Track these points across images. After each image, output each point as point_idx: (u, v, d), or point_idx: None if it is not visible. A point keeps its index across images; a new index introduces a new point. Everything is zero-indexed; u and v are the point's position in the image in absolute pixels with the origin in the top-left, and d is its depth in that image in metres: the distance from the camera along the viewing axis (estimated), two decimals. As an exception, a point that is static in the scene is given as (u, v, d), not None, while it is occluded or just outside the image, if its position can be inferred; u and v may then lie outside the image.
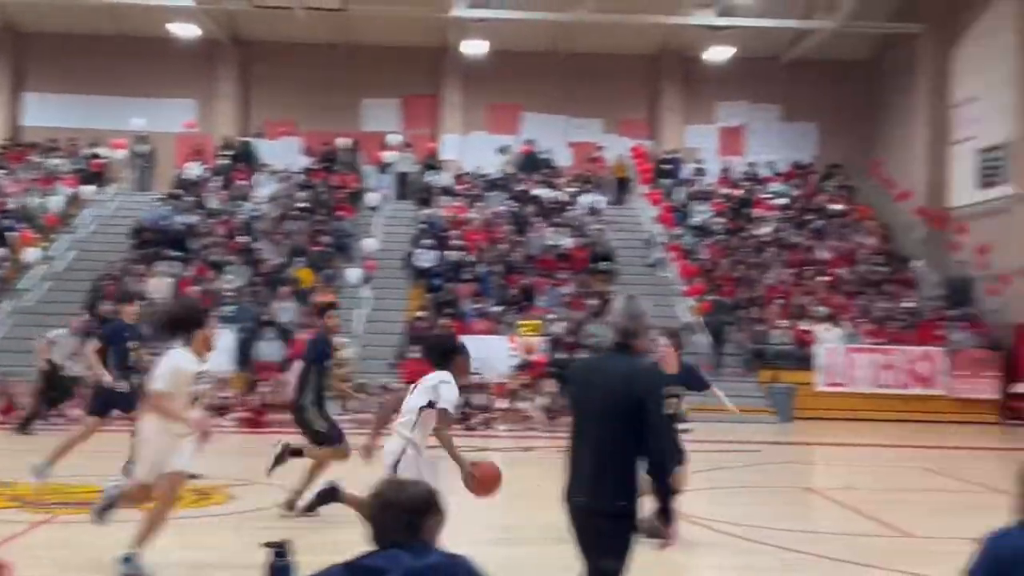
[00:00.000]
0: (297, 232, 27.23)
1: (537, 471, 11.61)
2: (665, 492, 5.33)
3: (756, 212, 30.03)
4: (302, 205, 28.51)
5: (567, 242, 27.89)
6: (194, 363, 7.85)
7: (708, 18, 29.53)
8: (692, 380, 10.22)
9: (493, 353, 22.09)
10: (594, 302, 25.29)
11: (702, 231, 29.01)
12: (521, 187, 30.41)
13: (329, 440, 10.74)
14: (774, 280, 26.67)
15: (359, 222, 28.57)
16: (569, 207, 29.64)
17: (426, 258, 26.61)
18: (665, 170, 31.59)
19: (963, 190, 27.99)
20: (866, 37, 31.30)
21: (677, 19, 29.99)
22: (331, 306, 11.45)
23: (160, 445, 7.71)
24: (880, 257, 28.36)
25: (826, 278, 26.92)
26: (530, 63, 32.14)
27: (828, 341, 24.18)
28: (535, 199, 29.78)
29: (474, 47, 31.17)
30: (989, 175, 26.85)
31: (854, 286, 26.91)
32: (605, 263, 27.31)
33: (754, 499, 13.00)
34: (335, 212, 28.55)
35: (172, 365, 7.74)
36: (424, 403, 7.54)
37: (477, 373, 21.63)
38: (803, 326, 24.75)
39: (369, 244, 27.27)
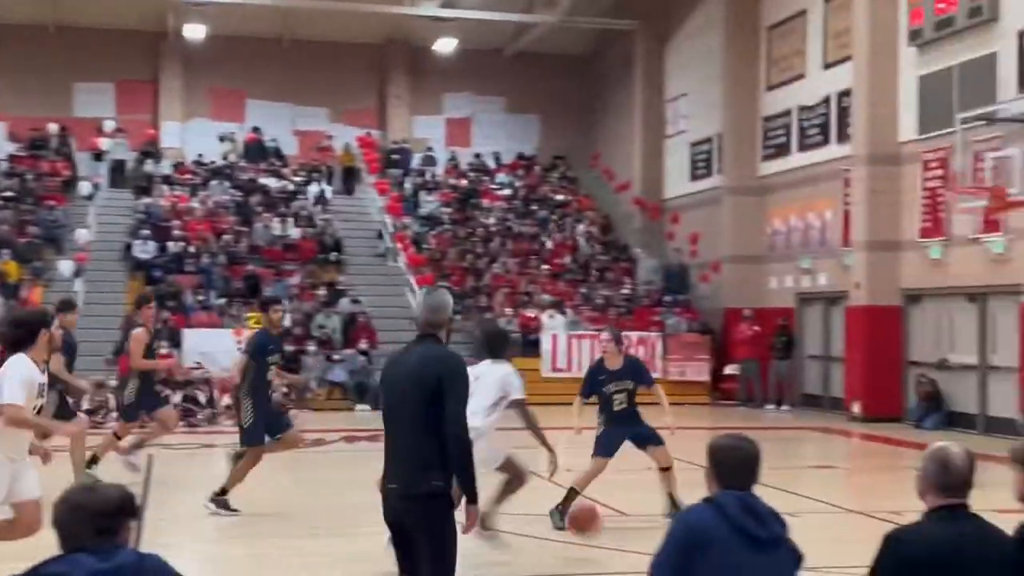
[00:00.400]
0: (2, 222, 25.63)
1: (274, 466, 11.35)
2: (462, 477, 5.34)
3: (483, 202, 30.49)
4: (7, 194, 26.85)
5: (294, 232, 27.48)
6: (38, 372, 7.16)
7: (433, 9, 29.71)
8: (640, 375, 10.56)
9: (218, 347, 21.48)
10: (322, 293, 25.03)
11: (430, 221, 29.20)
12: (246, 176, 29.71)
13: (248, 438, 10.60)
14: (500, 269, 27.15)
15: (71, 212, 27.17)
16: (296, 197, 29.20)
17: (145, 249, 25.60)
18: (393, 160, 31.60)
19: (677, 182, 29.32)
20: (585, 32, 32.28)
21: (403, 9, 30.03)
22: (147, 300, 12.06)
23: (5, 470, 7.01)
24: (600, 246, 29.37)
25: (549, 267, 27.64)
26: (254, 49, 31.43)
27: (552, 328, 24.81)
28: (261, 188, 29.17)
29: (194, 31, 30.17)
30: (700, 168, 28.23)
31: (576, 274, 27.75)
32: (334, 253, 27.06)
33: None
34: (44, 201, 27.04)
35: (22, 374, 7.00)
36: (496, 398, 8.30)
37: (200, 367, 21.01)
38: (528, 313, 25.31)
39: (82, 235, 25.98)
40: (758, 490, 4.32)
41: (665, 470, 10.65)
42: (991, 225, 17.76)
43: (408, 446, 5.37)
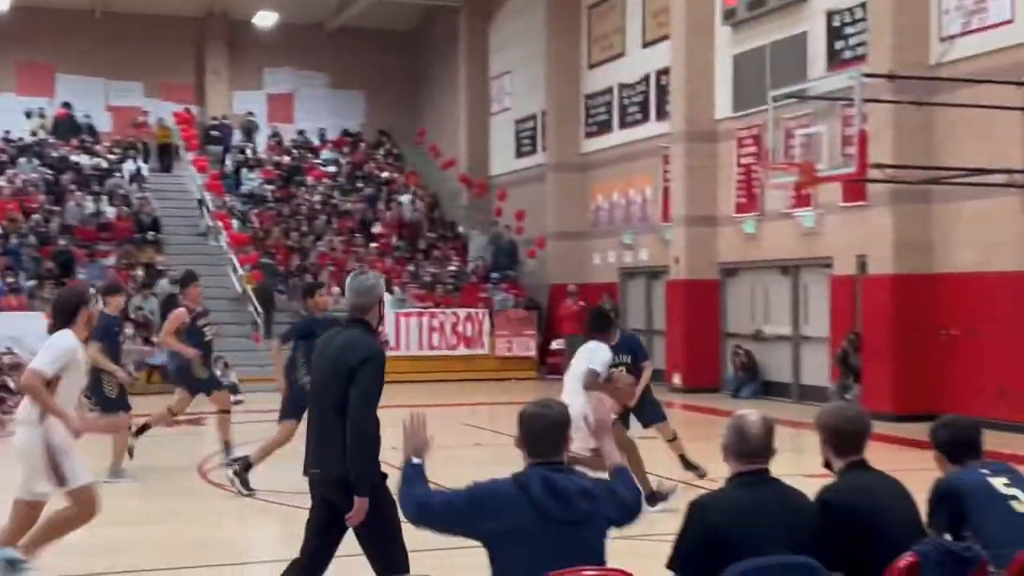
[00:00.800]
0: None
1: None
2: (353, 466, 5.34)
3: (307, 180, 30.04)
4: None
5: (109, 211, 26.53)
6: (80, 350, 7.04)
7: (253, -18, 29.05)
8: (637, 350, 10.90)
9: (27, 331, 20.54)
10: (140, 274, 24.26)
11: (252, 199, 28.61)
12: (57, 153, 28.53)
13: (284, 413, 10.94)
14: (326, 247, 26.81)
15: None
16: (111, 174, 28.19)
17: (-53, 230, 24.35)
18: (213, 136, 30.82)
19: (503, 159, 29.46)
20: (409, 7, 32.07)
21: (221, -19, 29.26)
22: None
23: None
24: (428, 223, 29.30)
25: (377, 244, 27.43)
26: (64, 21, 30.18)
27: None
28: (73, 166, 28.05)
29: (-2, 1, 28.76)
30: (525, 145, 28.43)
31: (404, 252, 27.62)
32: (151, 233, 26.25)
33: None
34: None
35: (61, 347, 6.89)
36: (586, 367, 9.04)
37: (10, 352, 20.10)
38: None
39: None
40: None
41: (670, 441, 11.33)
42: (802, 200, 18.41)
43: (325, 431, 5.48)
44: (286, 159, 30.86)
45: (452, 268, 27.12)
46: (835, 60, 17.96)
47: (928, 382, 15.88)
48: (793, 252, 19.29)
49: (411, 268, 26.81)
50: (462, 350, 24.95)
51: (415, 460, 4.54)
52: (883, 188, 15.72)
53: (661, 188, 22.52)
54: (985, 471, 4.78)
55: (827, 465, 4.80)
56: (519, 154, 28.69)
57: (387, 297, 24.71)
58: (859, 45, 17.40)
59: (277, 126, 32.33)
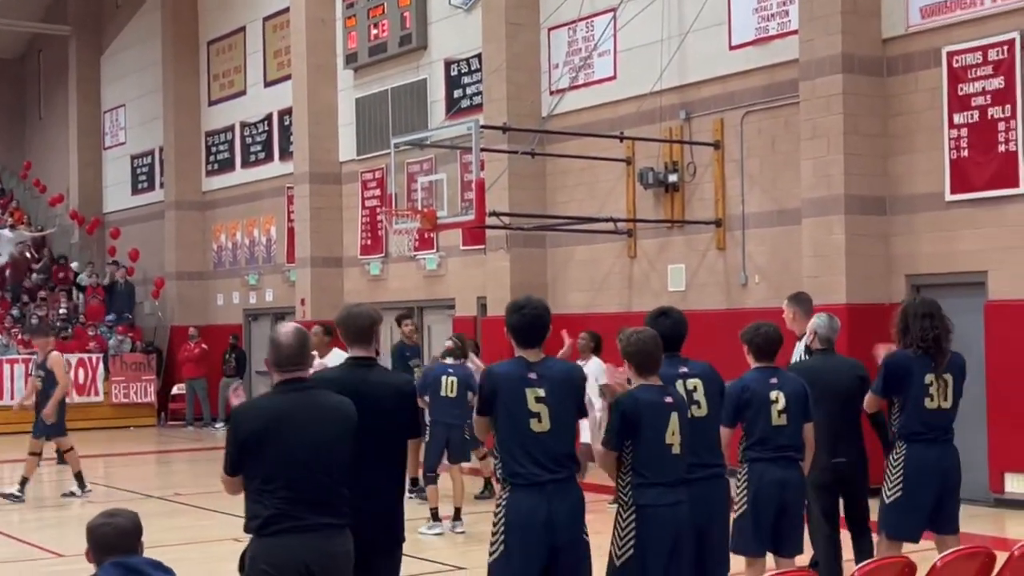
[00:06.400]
0: None
1: None
2: None
3: None
4: None
5: None
6: None
7: None
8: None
9: None
10: None
11: None
12: None
13: None
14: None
15: None
16: None
17: None
18: None
19: (118, 195, 28.22)
20: (16, 35, 30.22)
21: None
22: None
23: None
24: (36, 263, 27.49)
25: (-24, 286, 25.46)
26: None
27: (-20, 353, 22.83)
28: None
29: None
30: (142, 181, 27.38)
31: (7, 292, 25.79)
32: None
33: None
34: None
35: None
36: None
37: None
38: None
39: None
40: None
41: None
42: (426, 243, 18.83)
43: None
44: None
45: (63, 310, 25.59)
46: (454, 108, 18.53)
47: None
48: (417, 293, 19.67)
49: (15, 312, 25.05)
50: (76, 397, 23.52)
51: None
52: (501, 233, 16.35)
53: (286, 228, 22.35)
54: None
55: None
56: (136, 190, 27.59)
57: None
58: (476, 95, 18.04)
59: None
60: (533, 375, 5.47)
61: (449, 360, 11.57)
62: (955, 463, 6.93)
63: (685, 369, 6.04)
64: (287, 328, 4.92)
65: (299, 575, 4.69)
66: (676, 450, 5.57)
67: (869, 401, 7.04)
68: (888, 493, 6.87)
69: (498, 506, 5.44)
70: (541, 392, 5.41)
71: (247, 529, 4.81)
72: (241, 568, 4.83)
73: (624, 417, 5.53)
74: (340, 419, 4.92)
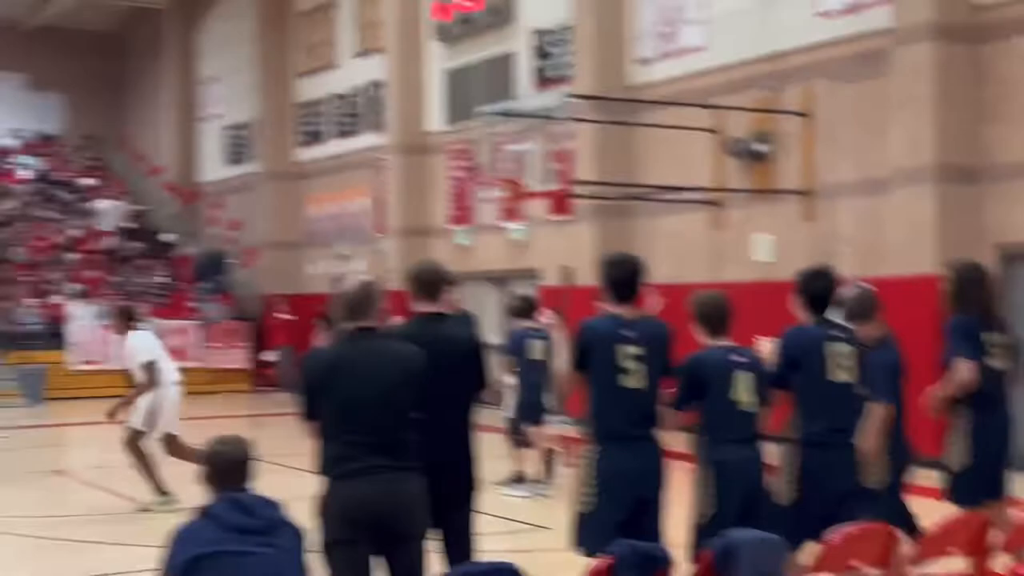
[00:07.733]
0: None
1: None
2: None
3: (1, 185, 28.38)
4: None
5: None
6: None
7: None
8: None
9: None
10: None
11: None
12: None
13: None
14: (22, 257, 25.40)
15: None
16: None
17: None
18: None
19: (212, 166, 28.79)
20: (112, 9, 30.89)
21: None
22: None
23: None
24: (133, 232, 28.23)
25: (77, 254, 26.22)
26: None
27: (81, 318, 23.56)
28: None
29: None
30: (236, 152, 27.90)
31: (107, 261, 26.53)
32: None
33: None
34: None
35: None
36: None
37: None
38: (54, 302, 23.89)
39: None
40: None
41: None
42: (511, 213, 18.97)
43: None
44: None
45: (160, 278, 26.25)
46: (541, 79, 18.60)
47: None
48: (502, 263, 19.81)
49: (115, 278, 25.77)
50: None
51: None
52: (587, 203, 16.41)
53: (376, 199, 22.65)
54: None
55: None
56: (230, 161, 28.14)
57: (90, 308, 23.81)
58: (563, 66, 18.09)
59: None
60: (629, 332, 5.53)
61: (528, 323, 11.44)
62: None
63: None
64: (354, 280, 5.18)
65: (366, 516, 4.82)
66: (746, 407, 5.64)
67: (960, 368, 6.48)
68: (954, 461, 6.60)
69: (587, 459, 5.55)
70: (636, 349, 5.50)
71: (318, 471, 4.97)
72: (318, 511, 5.00)
73: (690, 379, 5.63)
74: (403, 365, 5.02)
